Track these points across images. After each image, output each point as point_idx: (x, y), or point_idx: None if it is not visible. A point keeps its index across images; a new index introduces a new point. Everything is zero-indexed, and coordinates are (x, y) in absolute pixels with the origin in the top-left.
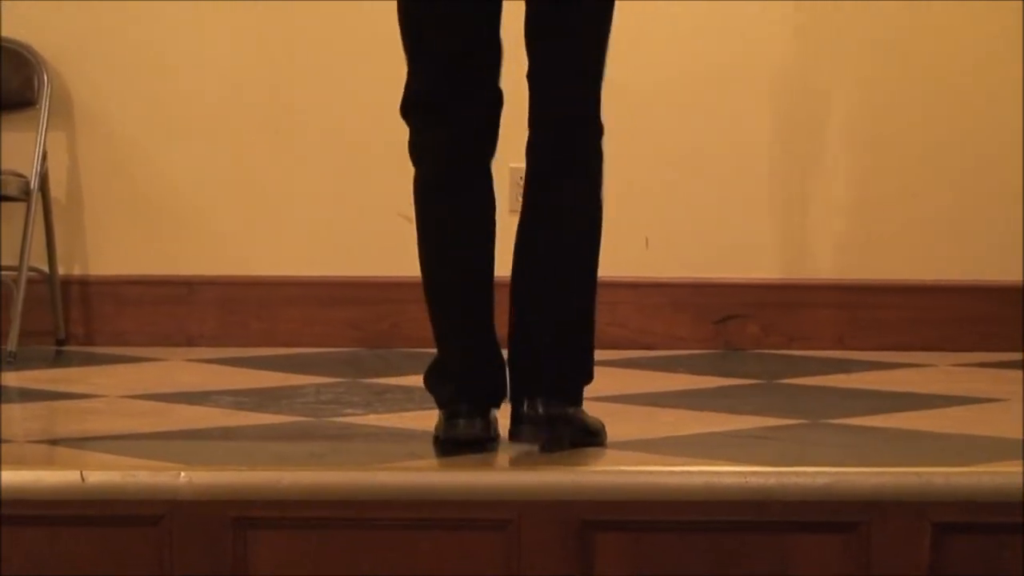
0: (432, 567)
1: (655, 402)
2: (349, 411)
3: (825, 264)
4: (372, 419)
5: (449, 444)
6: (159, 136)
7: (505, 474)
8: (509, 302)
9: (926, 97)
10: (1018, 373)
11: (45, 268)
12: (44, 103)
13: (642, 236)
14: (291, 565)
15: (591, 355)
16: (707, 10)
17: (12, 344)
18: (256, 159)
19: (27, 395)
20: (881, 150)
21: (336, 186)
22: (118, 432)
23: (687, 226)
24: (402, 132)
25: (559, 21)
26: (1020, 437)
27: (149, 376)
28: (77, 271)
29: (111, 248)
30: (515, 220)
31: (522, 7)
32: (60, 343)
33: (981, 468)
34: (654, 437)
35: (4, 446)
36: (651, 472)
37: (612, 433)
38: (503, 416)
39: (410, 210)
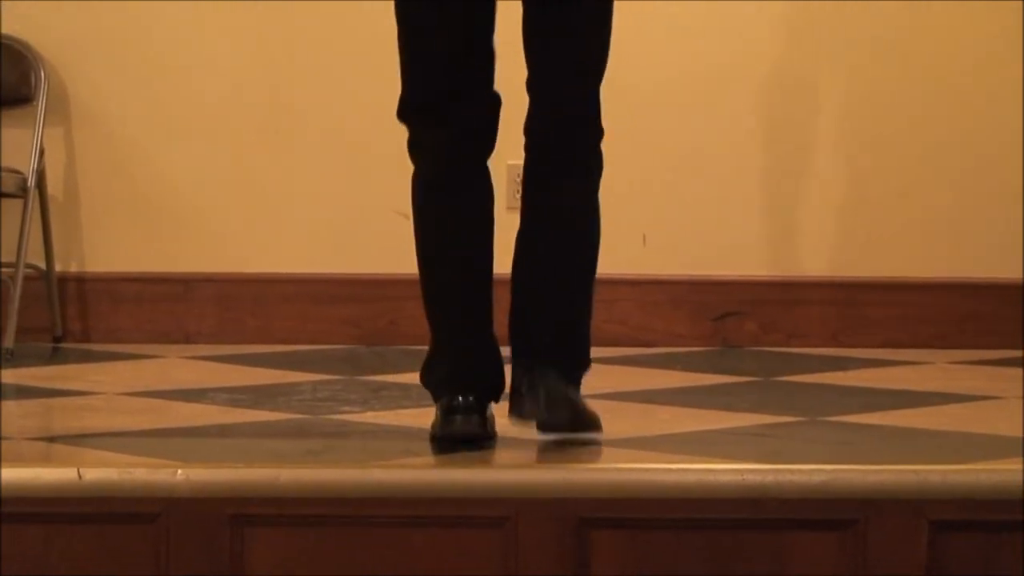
0: (429, 564)
1: (652, 399)
2: (346, 408)
3: (823, 262)
4: (369, 416)
5: (446, 441)
6: (156, 133)
7: (502, 472)
8: (510, 295)
9: (925, 96)
10: (1015, 371)
11: (42, 265)
12: (41, 100)
13: (640, 233)
14: (288, 562)
15: (588, 343)
16: (705, 10)
17: (9, 341)
18: (253, 157)
19: (24, 392)
20: (878, 149)
21: (333, 184)
22: (115, 429)
23: (685, 224)
24: (399, 131)
25: (560, 22)
26: (1017, 435)
27: (146, 373)
28: (74, 268)
29: (108, 245)
30: (513, 217)
31: (516, 9)
32: (57, 340)
33: (978, 466)
34: (651, 434)
35: (1, 443)
36: (648, 470)
37: (609, 430)
38: (502, 415)
39: (407, 208)
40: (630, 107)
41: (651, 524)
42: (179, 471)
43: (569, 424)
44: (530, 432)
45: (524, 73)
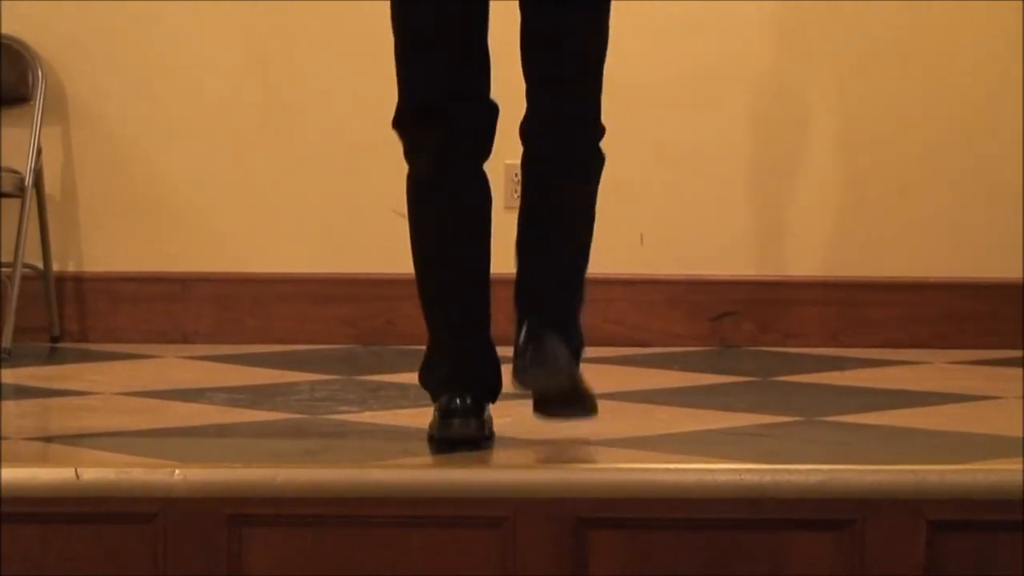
0: (427, 564)
1: (650, 399)
2: (344, 408)
3: (821, 262)
4: (367, 416)
5: (444, 443)
6: (154, 133)
7: (500, 472)
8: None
9: (924, 96)
10: (1013, 371)
11: (40, 264)
12: (39, 99)
13: (637, 233)
14: (286, 562)
15: (581, 322)
16: (703, 10)
17: (6, 341)
18: (251, 156)
19: (21, 392)
20: (877, 148)
21: (331, 183)
22: (113, 429)
23: (682, 223)
24: None
25: (558, 22)
26: (1015, 434)
27: (144, 373)
28: (72, 268)
29: (106, 245)
30: (511, 216)
31: (509, 11)
32: (55, 340)
33: (976, 465)
34: (649, 434)
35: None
36: (646, 469)
37: (607, 430)
38: (499, 414)
39: (404, 207)
40: (628, 107)
41: (649, 524)
42: (177, 471)
43: (569, 391)
44: (529, 432)
45: (520, 73)
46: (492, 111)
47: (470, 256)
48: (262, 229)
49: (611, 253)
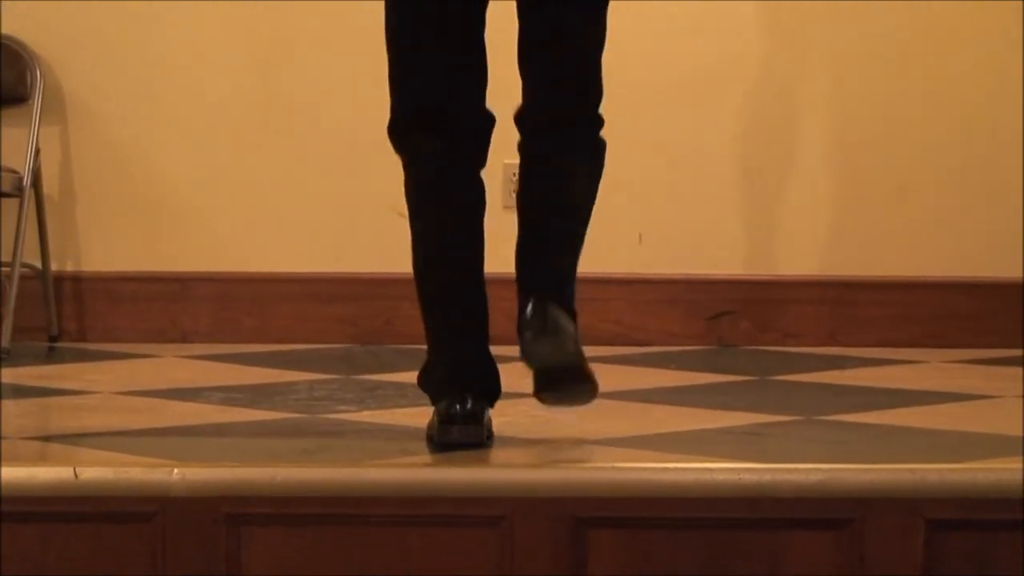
0: (425, 563)
1: (648, 398)
2: (342, 407)
3: (819, 261)
4: (365, 415)
5: (443, 448)
6: (153, 132)
7: (498, 471)
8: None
9: (924, 95)
10: (1012, 370)
11: (38, 264)
12: (37, 99)
13: (635, 233)
14: (284, 561)
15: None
16: (701, 9)
17: (5, 340)
18: (249, 156)
19: (20, 391)
20: (875, 147)
21: (329, 183)
22: (111, 429)
23: (680, 223)
24: None
25: (557, 22)
26: (1013, 433)
27: (142, 372)
28: (70, 267)
29: (104, 244)
30: (509, 217)
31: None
32: (53, 339)
33: (975, 464)
34: (647, 433)
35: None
36: (644, 469)
37: (605, 429)
38: (498, 414)
39: (403, 207)
40: (627, 107)
41: (648, 523)
42: (175, 470)
43: (575, 367)
44: (527, 432)
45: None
46: (489, 119)
47: (470, 256)
48: (261, 229)
49: (609, 252)
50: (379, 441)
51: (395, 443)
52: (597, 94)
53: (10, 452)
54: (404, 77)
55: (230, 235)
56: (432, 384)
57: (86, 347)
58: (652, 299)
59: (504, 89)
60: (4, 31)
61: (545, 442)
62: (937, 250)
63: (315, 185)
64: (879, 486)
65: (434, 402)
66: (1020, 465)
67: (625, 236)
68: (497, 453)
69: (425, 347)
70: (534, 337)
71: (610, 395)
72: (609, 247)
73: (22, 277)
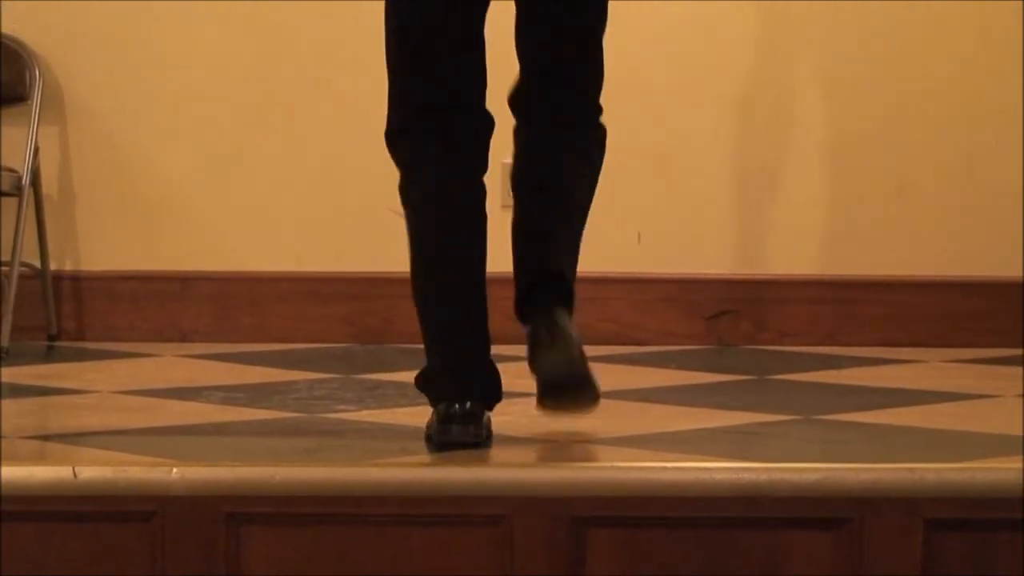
0: (424, 563)
1: (647, 398)
2: (342, 407)
3: (817, 260)
4: (365, 415)
5: (442, 448)
6: (152, 132)
7: (497, 470)
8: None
9: (924, 94)
10: (1010, 369)
11: (37, 263)
12: (36, 98)
13: (634, 232)
14: (284, 560)
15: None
16: (700, 9)
17: (4, 339)
18: (249, 155)
19: (19, 391)
20: (874, 146)
21: (329, 182)
22: (110, 428)
23: (679, 222)
24: None
25: (557, 9)
26: (1012, 433)
27: (141, 372)
28: (69, 266)
29: (103, 243)
30: (507, 215)
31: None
32: (52, 339)
33: (973, 464)
34: (646, 433)
35: None
36: (643, 468)
37: (604, 429)
38: (498, 414)
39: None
40: (626, 107)
41: (646, 523)
42: (174, 469)
43: (581, 375)
44: (526, 431)
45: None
46: (489, 121)
47: (470, 258)
48: (260, 228)
49: (608, 252)
50: (379, 440)
51: (395, 442)
52: (598, 79)
53: (9, 451)
54: (404, 81)
55: (230, 234)
56: (432, 386)
57: (85, 346)
58: (651, 298)
59: (504, 89)
60: (5, 31)
61: (544, 442)
62: (936, 250)
63: (314, 185)
64: (878, 486)
65: (433, 403)
66: (1019, 465)
67: (624, 236)
68: (496, 452)
69: (423, 347)
70: (541, 346)
71: (609, 394)
72: (608, 247)
73: (21, 276)
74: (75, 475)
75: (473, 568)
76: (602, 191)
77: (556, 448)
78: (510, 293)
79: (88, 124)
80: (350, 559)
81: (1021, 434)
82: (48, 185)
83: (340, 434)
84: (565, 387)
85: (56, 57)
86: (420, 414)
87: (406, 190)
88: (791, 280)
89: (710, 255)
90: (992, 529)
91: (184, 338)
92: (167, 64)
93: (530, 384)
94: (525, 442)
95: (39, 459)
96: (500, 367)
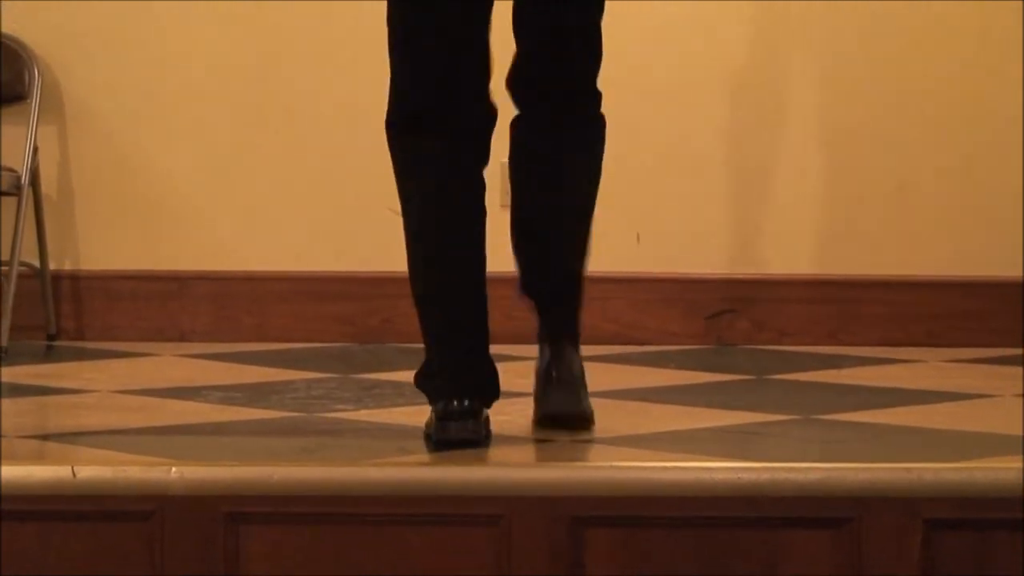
0: (423, 562)
1: (646, 397)
2: (340, 406)
3: (817, 260)
4: (363, 414)
5: (441, 445)
6: (151, 131)
7: (496, 470)
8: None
9: (924, 93)
10: (1010, 369)
11: (36, 263)
12: (35, 98)
13: (633, 232)
14: (282, 560)
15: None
16: (700, 9)
17: (3, 339)
18: (248, 154)
19: (18, 390)
20: (874, 145)
21: (328, 182)
22: (109, 427)
23: (679, 222)
24: None
25: None
26: (1011, 432)
27: (140, 371)
28: (68, 266)
29: (102, 243)
30: (506, 214)
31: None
32: (51, 338)
33: (972, 464)
34: (645, 432)
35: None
36: (642, 468)
37: (603, 428)
38: (497, 413)
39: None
40: (625, 106)
41: (646, 522)
42: (173, 469)
43: (582, 411)
44: (525, 431)
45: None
46: (490, 116)
47: (470, 257)
48: (259, 228)
49: (607, 251)
50: (377, 440)
51: (393, 442)
52: (596, 63)
53: (8, 451)
54: (403, 75)
55: (229, 234)
56: (431, 385)
57: (84, 346)
58: (650, 298)
59: (500, 89)
60: (3, 30)
61: (543, 441)
62: (936, 249)
63: (313, 184)
64: (877, 485)
65: (432, 402)
66: (1019, 464)
67: (623, 235)
68: (495, 452)
69: (423, 346)
70: (550, 383)
71: (608, 394)
72: (607, 246)
73: (20, 276)
74: (74, 474)
75: (471, 568)
76: (601, 191)
77: (555, 448)
78: (510, 292)
79: (87, 124)
80: (348, 558)
81: (1020, 434)
82: (47, 184)
83: (338, 434)
84: (564, 422)
85: (55, 57)
86: (418, 414)
87: (404, 188)
88: (791, 280)
89: (710, 255)
90: (991, 529)
91: (183, 338)
92: (167, 64)
93: (529, 384)
94: (524, 442)
95: (38, 458)
96: (500, 367)
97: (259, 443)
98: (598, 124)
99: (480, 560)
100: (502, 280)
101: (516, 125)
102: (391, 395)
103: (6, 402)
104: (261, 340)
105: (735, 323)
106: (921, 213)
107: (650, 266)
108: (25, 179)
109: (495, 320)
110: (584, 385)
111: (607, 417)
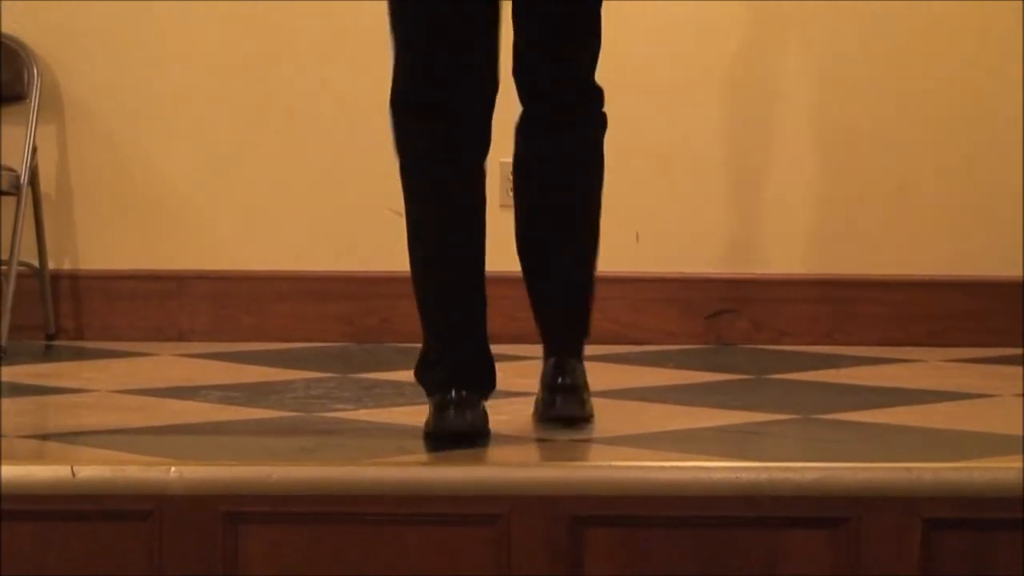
0: (422, 562)
1: (645, 397)
2: (339, 406)
3: (816, 259)
4: (362, 414)
5: (439, 436)
6: (150, 131)
7: (495, 469)
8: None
9: (924, 93)
10: (1009, 368)
11: (35, 262)
12: (35, 97)
13: (633, 231)
14: (282, 560)
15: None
16: (700, 9)
17: (2, 339)
18: (247, 154)
19: (17, 390)
20: (874, 145)
21: (327, 182)
22: (108, 427)
23: (678, 221)
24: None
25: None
26: (1010, 432)
27: (139, 371)
28: (67, 265)
29: (101, 242)
30: (505, 215)
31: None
32: (50, 338)
33: (972, 463)
34: (644, 432)
35: None
36: (641, 467)
37: (602, 428)
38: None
39: (400, 205)
40: (624, 106)
41: (645, 522)
42: (172, 468)
43: (581, 417)
44: (524, 430)
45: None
46: (490, 98)
47: (470, 256)
48: (258, 227)
49: (607, 251)
50: (376, 439)
51: (392, 441)
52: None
53: (7, 450)
54: (402, 59)
55: (228, 233)
56: (428, 378)
57: (83, 345)
58: (649, 298)
59: (504, 89)
60: (3, 30)
61: (542, 440)
62: (936, 249)
63: (313, 184)
64: (876, 485)
65: (429, 393)
66: (1018, 464)
67: (622, 235)
68: (494, 451)
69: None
70: (555, 391)
71: (607, 394)
72: (607, 246)
73: (19, 275)
74: (73, 474)
75: (470, 567)
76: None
77: (554, 447)
78: (510, 293)
79: (87, 123)
80: (347, 558)
81: (1020, 434)
82: (46, 184)
83: (337, 433)
84: (565, 424)
85: (55, 56)
86: (417, 413)
87: (406, 182)
88: (790, 279)
89: (709, 254)
90: (990, 529)
91: (182, 337)
92: (167, 64)
93: (529, 384)
94: (523, 441)
95: (37, 458)
96: (499, 366)
97: (258, 443)
98: (599, 124)
99: (479, 560)
100: (502, 280)
101: (519, 130)
102: (390, 395)
103: (6, 402)
104: (260, 340)
105: (734, 323)
106: (921, 213)
107: (649, 266)
108: (24, 179)
109: (495, 321)
110: (587, 391)
111: (607, 417)
